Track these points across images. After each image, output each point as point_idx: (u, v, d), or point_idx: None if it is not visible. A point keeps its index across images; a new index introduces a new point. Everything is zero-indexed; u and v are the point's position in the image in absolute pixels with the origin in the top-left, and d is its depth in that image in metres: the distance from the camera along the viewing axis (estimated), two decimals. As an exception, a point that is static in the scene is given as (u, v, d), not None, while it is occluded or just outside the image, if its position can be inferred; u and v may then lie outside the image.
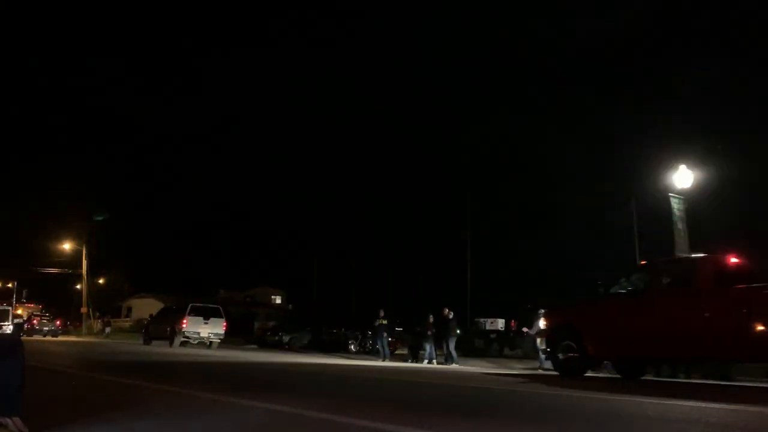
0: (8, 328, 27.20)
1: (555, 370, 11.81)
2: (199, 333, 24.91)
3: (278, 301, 64.86)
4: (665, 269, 11.16)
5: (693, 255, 11.24)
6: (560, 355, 11.32)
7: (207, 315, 25.43)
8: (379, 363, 17.90)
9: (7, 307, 29.15)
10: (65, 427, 4.21)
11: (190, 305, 25.63)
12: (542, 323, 12.62)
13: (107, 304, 53.01)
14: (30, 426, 3.95)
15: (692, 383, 11.60)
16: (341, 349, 27.76)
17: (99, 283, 55.35)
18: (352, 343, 27.58)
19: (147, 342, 27.42)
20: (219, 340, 25.44)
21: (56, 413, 4.75)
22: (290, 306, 60.54)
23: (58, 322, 42.65)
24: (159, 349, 21.68)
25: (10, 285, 35.50)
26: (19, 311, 34.01)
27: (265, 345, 31.16)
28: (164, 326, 26.47)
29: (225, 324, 26.09)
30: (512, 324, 25.48)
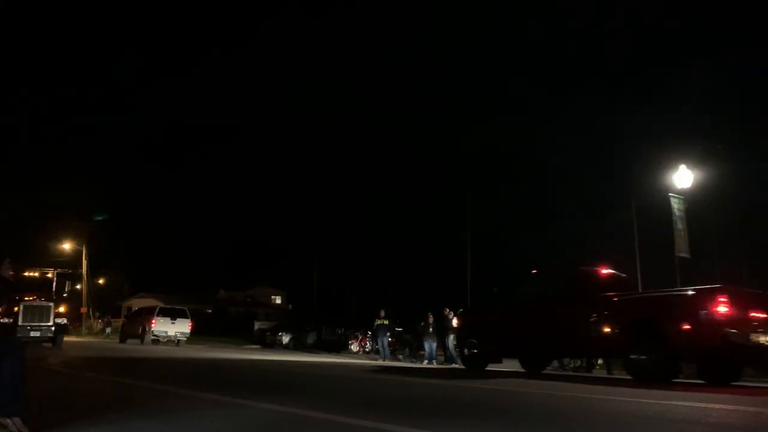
0: (48, 332, 20.48)
1: (462, 364, 13.64)
2: (166, 332, 27.72)
3: (278, 301, 64.89)
4: (550, 278, 12.72)
5: (572, 267, 12.70)
6: (466, 351, 13.31)
7: (174, 316, 28.24)
8: (380, 362, 17.93)
9: (46, 303, 21.25)
10: (65, 427, 4.21)
11: (159, 307, 29.07)
12: (455, 322, 14.28)
13: (107, 304, 53.02)
14: (30, 426, 3.96)
15: (585, 376, 12.90)
16: (342, 349, 27.78)
17: (99, 283, 55.32)
18: (352, 343, 27.60)
19: (123, 340, 29.69)
20: (185, 339, 28.18)
21: (56, 413, 4.76)
22: (290, 306, 60.55)
23: None
24: (159, 348, 21.91)
25: (49, 274, 24.42)
26: (62, 309, 24.23)
27: (266, 345, 31.19)
28: (137, 326, 28.98)
29: (191, 324, 28.86)
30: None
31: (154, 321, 27.75)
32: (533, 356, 13.21)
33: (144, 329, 27.98)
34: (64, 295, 24.00)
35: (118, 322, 51.47)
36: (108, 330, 45.61)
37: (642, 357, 9.99)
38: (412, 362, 19.67)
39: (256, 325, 37.55)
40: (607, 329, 10.48)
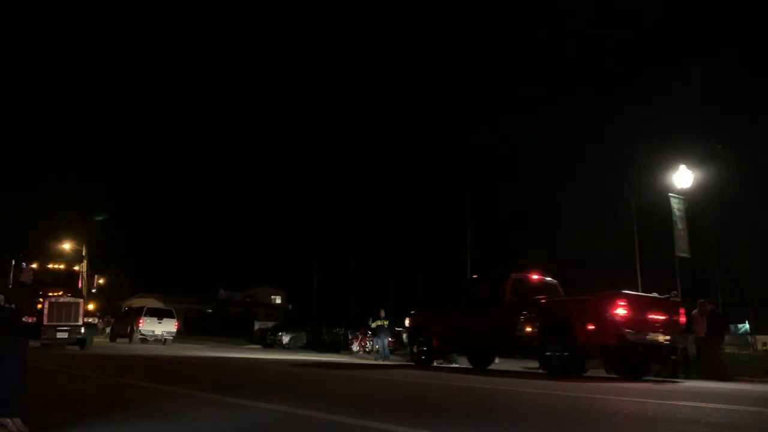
0: (77, 332, 17.32)
1: (411, 360, 14.65)
2: (153, 331, 28.65)
3: (278, 301, 64.88)
4: (486, 283, 13.96)
5: (505, 273, 13.38)
6: (414, 349, 14.58)
7: (161, 316, 29.41)
8: (378, 362, 17.92)
9: (75, 300, 17.64)
10: (65, 427, 4.21)
11: (146, 307, 30.26)
12: (407, 322, 15.85)
13: (107, 304, 53.00)
14: (30, 426, 3.96)
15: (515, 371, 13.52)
16: (342, 349, 27.83)
17: (99, 283, 55.17)
18: (353, 343, 27.65)
19: (113, 339, 30.41)
20: (172, 338, 29.06)
21: (56, 413, 4.76)
22: (290, 306, 60.54)
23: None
24: (148, 346, 21.88)
25: (76, 267, 15.32)
26: (91, 306, 20.09)
27: (266, 345, 31.21)
28: (125, 325, 29.87)
29: (177, 323, 30.13)
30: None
31: (141, 321, 28.63)
32: (476, 353, 14.46)
33: (132, 329, 28.80)
34: (93, 290, 20.87)
35: (119, 322, 51.58)
36: (108, 329, 45.68)
37: (556, 354, 11.14)
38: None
39: (256, 325, 37.54)
40: (529, 329, 11.72)
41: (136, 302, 54.28)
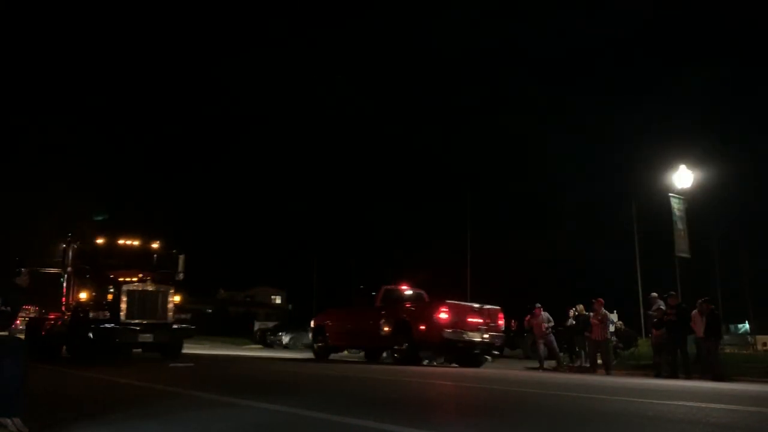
0: (166, 334, 12.74)
1: (313, 355, 16.76)
2: None
3: (278, 301, 64.84)
4: (366, 292, 16.52)
5: (380, 285, 16.07)
6: (315, 345, 16.91)
7: None
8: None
9: (163, 288, 12.98)
10: (65, 427, 4.21)
11: None
12: (311, 323, 17.88)
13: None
14: (30, 426, 3.96)
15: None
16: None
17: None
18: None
19: None
20: None
21: (56, 413, 4.75)
22: (290, 306, 60.52)
23: None
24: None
25: (155, 245, 14.23)
26: (177, 298, 13.33)
27: (266, 345, 31.23)
28: None
29: None
30: (512, 324, 25.45)
31: None
32: (359, 349, 17.32)
33: None
34: (180, 276, 14.25)
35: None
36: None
37: (402, 348, 14.01)
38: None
39: (256, 325, 37.52)
40: (386, 328, 14.45)
41: (136, 302, 54.26)
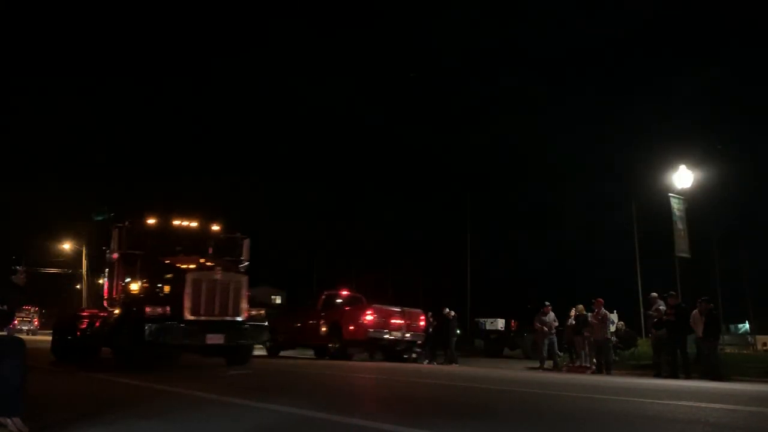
0: (237, 333, 10.53)
1: (266, 351, 17.39)
2: None
3: (278, 301, 64.81)
4: (312, 297, 18.87)
5: (322, 290, 18.65)
6: (267, 343, 17.31)
7: None
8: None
9: (235, 276, 11.28)
10: (65, 427, 4.21)
11: None
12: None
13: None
14: (30, 426, 3.96)
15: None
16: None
17: (99, 284, 55.07)
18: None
19: None
20: None
21: (56, 413, 4.75)
22: (290, 306, 60.43)
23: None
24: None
25: (216, 227, 12.40)
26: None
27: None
28: None
29: None
30: (512, 324, 25.47)
31: None
32: (304, 347, 18.51)
33: None
34: (243, 265, 12.46)
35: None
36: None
37: (336, 346, 15.84)
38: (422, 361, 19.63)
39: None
40: (324, 329, 16.41)
41: (136, 302, 54.19)
